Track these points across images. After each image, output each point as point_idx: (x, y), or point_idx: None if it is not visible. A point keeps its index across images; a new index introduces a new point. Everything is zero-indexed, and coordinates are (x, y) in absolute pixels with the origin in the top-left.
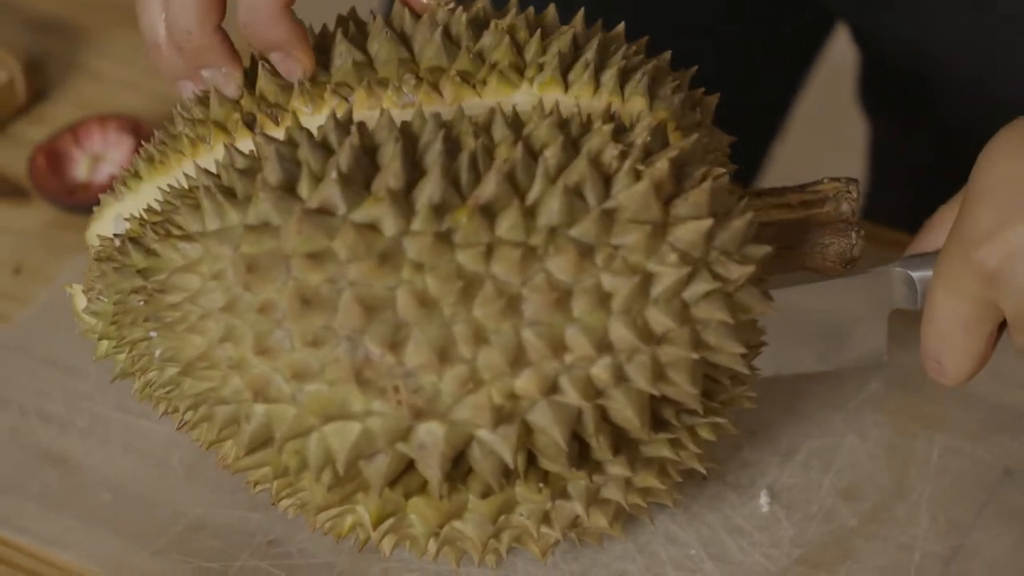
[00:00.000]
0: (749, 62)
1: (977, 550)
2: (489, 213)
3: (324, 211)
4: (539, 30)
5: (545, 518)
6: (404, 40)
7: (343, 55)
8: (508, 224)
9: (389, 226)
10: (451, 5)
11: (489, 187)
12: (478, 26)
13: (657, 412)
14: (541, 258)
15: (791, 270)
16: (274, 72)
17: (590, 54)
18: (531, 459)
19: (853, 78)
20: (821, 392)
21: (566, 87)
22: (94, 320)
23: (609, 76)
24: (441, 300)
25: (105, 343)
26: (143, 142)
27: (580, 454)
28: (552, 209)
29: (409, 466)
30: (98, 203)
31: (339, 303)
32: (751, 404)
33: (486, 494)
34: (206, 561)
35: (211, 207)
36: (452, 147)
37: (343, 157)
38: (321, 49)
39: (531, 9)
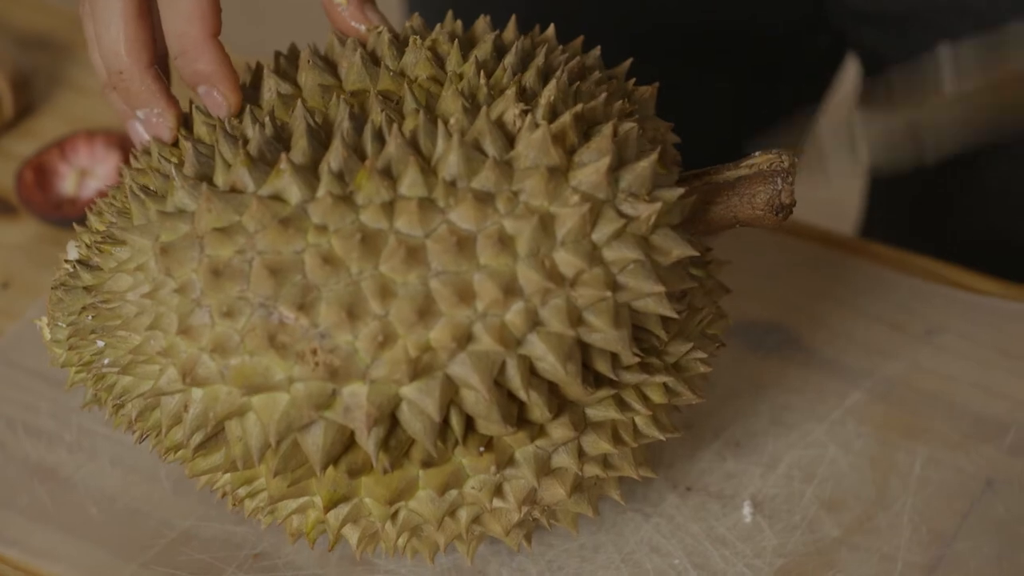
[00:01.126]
0: (766, 89)
1: (959, 560)
2: (390, 174)
3: (234, 190)
4: (456, 41)
5: (498, 491)
6: (331, 67)
7: (271, 89)
8: (409, 182)
9: (294, 195)
10: (380, 28)
11: (389, 150)
12: (401, 45)
13: (589, 363)
14: (443, 210)
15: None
16: (207, 114)
17: (510, 58)
18: (471, 425)
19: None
20: (804, 404)
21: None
22: (59, 349)
23: (528, 76)
24: (346, 258)
25: (72, 370)
26: (129, 157)
27: (520, 416)
28: (452, 163)
29: (352, 445)
30: (85, 218)
31: (250, 272)
32: (706, 368)
33: (428, 463)
34: (193, 574)
35: (137, 208)
36: (360, 124)
37: (253, 142)
38: (254, 85)
39: (459, 23)
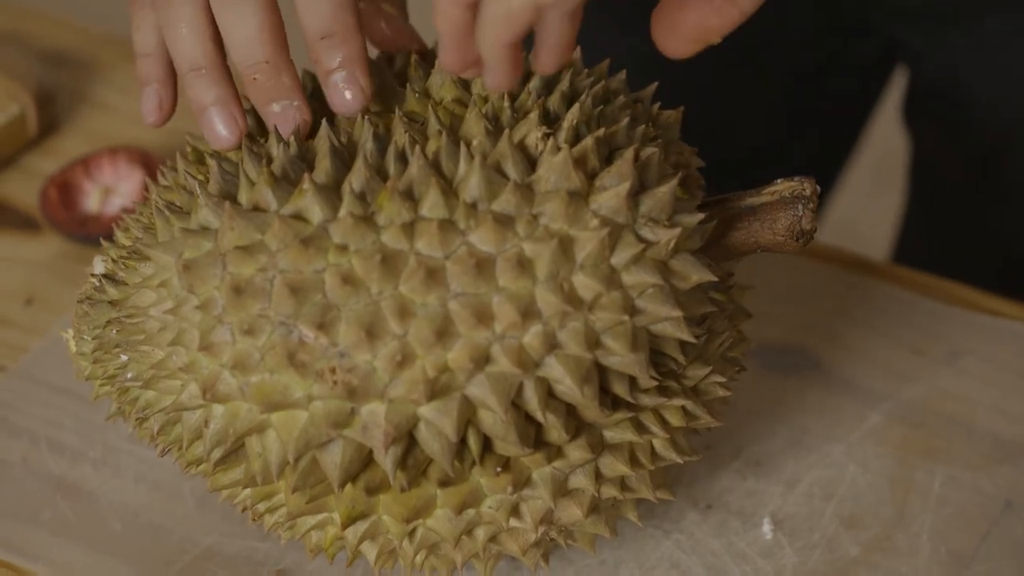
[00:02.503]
0: (813, 100)
1: None
2: (411, 196)
3: (257, 209)
4: None
5: (515, 511)
6: None
7: None
8: (430, 203)
9: (315, 215)
10: (408, 50)
11: (411, 171)
12: (428, 65)
13: (607, 386)
14: (463, 232)
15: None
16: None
17: (535, 82)
18: (488, 446)
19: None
20: (823, 425)
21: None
22: (84, 362)
23: (552, 100)
24: (366, 278)
25: (96, 383)
26: (152, 174)
27: (537, 438)
28: (473, 185)
29: (370, 463)
30: (109, 235)
31: (272, 291)
32: (725, 392)
33: (445, 482)
34: None
35: (161, 224)
36: (383, 145)
37: (277, 161)
38: None
39: None
